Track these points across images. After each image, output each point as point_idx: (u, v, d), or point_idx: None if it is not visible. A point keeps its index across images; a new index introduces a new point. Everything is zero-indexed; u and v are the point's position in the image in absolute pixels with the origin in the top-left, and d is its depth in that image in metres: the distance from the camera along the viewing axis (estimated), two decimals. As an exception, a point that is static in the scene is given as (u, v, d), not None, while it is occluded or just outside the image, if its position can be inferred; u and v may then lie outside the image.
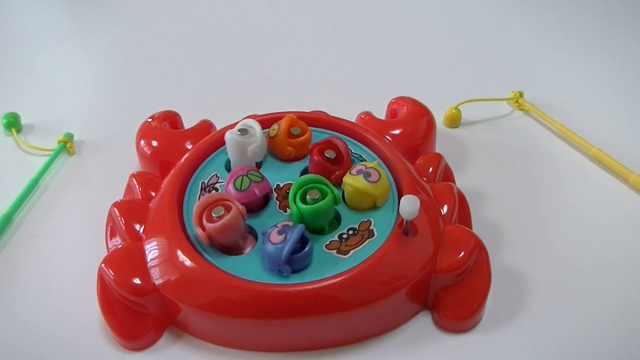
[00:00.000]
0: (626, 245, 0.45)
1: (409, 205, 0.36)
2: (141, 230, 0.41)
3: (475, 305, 0.38)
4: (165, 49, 0.74)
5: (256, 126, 0.44)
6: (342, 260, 0.37)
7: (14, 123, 0.58)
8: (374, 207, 0.41)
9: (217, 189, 0.43)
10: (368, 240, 0.39)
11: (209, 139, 0.46)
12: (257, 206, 0.41)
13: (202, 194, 0.42)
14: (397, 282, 0.37)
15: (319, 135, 0.46)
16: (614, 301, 0.41)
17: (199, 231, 0.37)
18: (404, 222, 0.38)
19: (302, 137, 0.45)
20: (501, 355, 0.38)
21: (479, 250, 0.40)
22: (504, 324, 0.39)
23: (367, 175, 0.40)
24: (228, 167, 0.45)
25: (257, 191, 0.40)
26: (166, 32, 0.77)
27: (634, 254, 0.44)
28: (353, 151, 0.46)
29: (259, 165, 0.45)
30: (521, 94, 0.60)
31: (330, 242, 0.39)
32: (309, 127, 0.46)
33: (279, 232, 0.36)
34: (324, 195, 0.38)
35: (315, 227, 0.39)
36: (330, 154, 0.43)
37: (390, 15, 0.80)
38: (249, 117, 0.49)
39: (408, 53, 0.71)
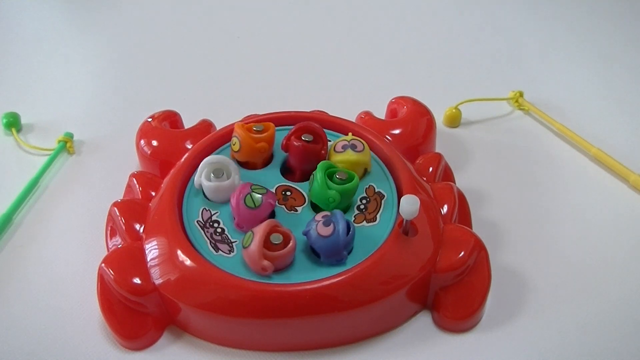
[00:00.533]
0: (626, 244, 0.45)
1: (409, 205, 0.36)
2: (141, 230, 0.41)
3: (475, 305, 0.38)
4: (165, 48, 0.74)
5: (225, 162, 0.43)
6: (375, 226, 0.39)
7: (14, 123, 0.57)
8: (366, 173, 0.43)
9: None
10: (382, 201, 0.41)
11: (208, 138, 0.46)
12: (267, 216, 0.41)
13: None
14: (397, 281, 0.37)
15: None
16: (613, 300, 0.41)
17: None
18: (404, 221, 0.38)
19: (268, 132, 0.44)
20: (501, 355, 0.38)
21: (479, 250, 0.40)
22: (504, 324, 0.39)
23: (353, 147, 0.42)
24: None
25: (271, 201, 0.40)
26: (166, 32, 0.77)
27: (634, 254, 0.44)
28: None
29: None
30: (521, 94, 0.60)
31: (354, 217, 0.40)
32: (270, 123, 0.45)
33: (325, 224, 0.37)
34: (349, 175, 0.40)
35: (342, 207, 0.40)
36: (307, 137, 0.43)
37: (390, 15, 0.80)
38: (247, 117, 0.49)
39: (408, 53, 0.71)
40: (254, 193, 0.39)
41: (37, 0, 0.86)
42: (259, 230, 0.36)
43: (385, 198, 0.41)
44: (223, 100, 0.63)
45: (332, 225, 0.36)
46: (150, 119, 0.51)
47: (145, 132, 0.50)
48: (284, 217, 0.40)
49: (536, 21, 0.78)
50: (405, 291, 0.38)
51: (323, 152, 0.43)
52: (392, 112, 0.54)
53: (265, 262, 0.36)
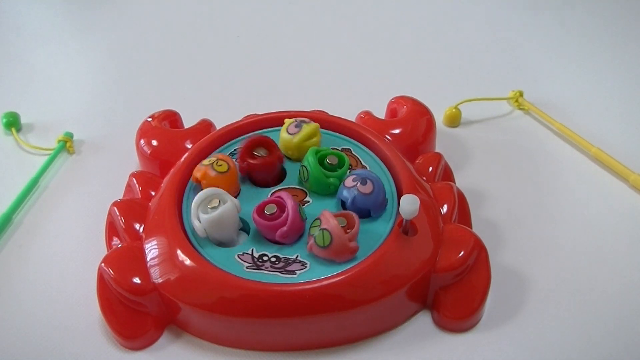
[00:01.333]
0: (625, 244, 0.45)
1: (409, 204, 0.36)
2: (141, 230, 0.41)
3: (474, 305, 0.38)
4: (165, 48, 0.74)
5: (216, 192, 0.40)
6: (374, 225, 0.40)
7: (13, 122, 0.58)
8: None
9: None
10: (353, 152, 0.45)
11: (208, 138, 0.46)
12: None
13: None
14: (396, 281, 0.37)
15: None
16: (613, 300, 0.41)
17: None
18: (404, 221, 0.38)
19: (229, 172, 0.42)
20: (501, 354, 0.38)
21: (479, 250, 0.40)
22: (504, 323, 0.39)
23: (303, 121, 0.45)
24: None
25: (287, 203, 0.39)
26: (166, 31, 0.77)
27: (634, 253, 0.44)
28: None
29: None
30: (521, 94, 0.60)
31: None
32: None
33: (363, 183, 0.39)
34: (339, 158, 0.42)
35: (332, 188, 0.42)
36: (260, 152, 0.43)
37: (390, 15, 0.80)
38: (247, 116, 0.49)
39: (408, 53, 0.71)
40: (300, 205, 0.40)
41: (37, 0, 0.86)
42: (329, 223, 0.37)
43: (351, 150, 0.45)
44: (223, 100, 0.63)
45: (368, 182, 0.40)
46: (150, 119, 0.51)
47: (145, 131, 0.50)
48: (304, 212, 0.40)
49: (536, 21, 0.78)
50: (405, 291, 0.38)
51: (279, 161, 0.43)
52: (392, 111, 0.54)
53: (352, 244, 0.37)
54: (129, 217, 0.42)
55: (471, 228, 0.45)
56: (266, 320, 0.36)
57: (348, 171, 0.42)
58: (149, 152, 0.48)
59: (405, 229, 0.38)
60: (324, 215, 0.37)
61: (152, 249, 0.39)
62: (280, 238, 0.38)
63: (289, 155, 0.45)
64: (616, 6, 0.80)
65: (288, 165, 0.45)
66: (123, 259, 0.39)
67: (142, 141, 0.49)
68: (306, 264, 0.37)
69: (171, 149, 0.48)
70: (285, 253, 0.38)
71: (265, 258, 0.38)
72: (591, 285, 0.42)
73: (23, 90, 0.66)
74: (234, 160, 0.43)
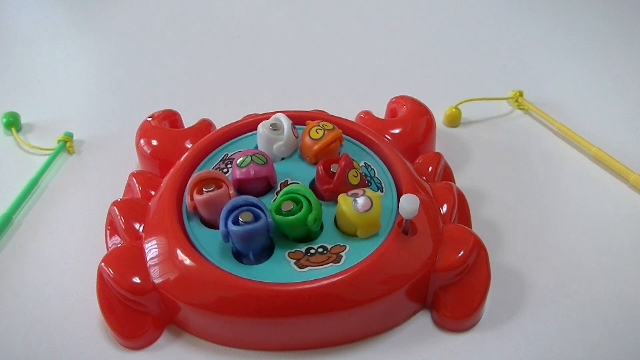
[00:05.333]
0: (626, 244, 0.45)
1: (409, 204, 0.36)
2: (141, 229, 0.41)
3: (474, 304, 0.38)
4: (165, 48, 0.74)
5: (286, 123, 0.44)
6: (294, 272, 0.37)
7: (13, 122, 0.58)
8: (355, 236, 0.39)
9: None
10: (331, 264, 0.37)
11: (208, 137, 0.46)
12: (255, 190, 0.41)
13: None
14: (396, 281, 0.37)
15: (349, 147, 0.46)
16: (613, 299, 0.41)
17: (187, 199, 0.40)
18: (404, 221, 0.38)
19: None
20: (500, 354, 0.38)
21: (479, 250, 0.40)
22: (503, 323, 0.39)
23: (356, 201, 0.38)
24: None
25: (252, 171, 0.40)
26: (166, 31, 0.77)
27: (634, 253, 0.44)
28: (369, 167, 0.45)
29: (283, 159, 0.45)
30: (521, 93, 0.60)
31: (295, 251, 0.38)
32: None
33: (247, 212, 0.37)
34: (300, 209, 0.37)
35: (290, 236, 0.39)
36: (334, 168, 0.41)
37: (390, 15, 0.80)
38: (247, 116, 0.49)
39: (408, 52, 0.71)
40: (249, 157, 0.41)
41: (37, 0, 0.86)
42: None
43: (339, 264, 0.37)
44: (223, 99, 0.63)
45: (251, 219, 0.36)
46: (150, 119, 0.51)
47: (145, 131, 0.50)
48: (266, 202, 0.40)
49: (536, 20, 0.78)
50: (405, 290, 0.38)
51: (325, 187, 0.41)
52: (391, 111, 0.54)
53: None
54: (128, 216, 0.42)
55: (471, 228, 0.45)
56: (266, 320, 0.36)
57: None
58: (149, 152, 0.48)
59: (405, 228, 0.38)
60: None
61: (151, 249, 0.39)
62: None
63: (307, 159, 0.44)
64: (617, 6, 0.80)
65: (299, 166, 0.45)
66: (123, 259, 0.39)
67: (142, 141, 0.49)
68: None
69: (171, 148, 0.48)
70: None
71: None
72: (591, 285, 0.42)
73: (23, 90, 0.66)
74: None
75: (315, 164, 0.43)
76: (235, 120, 0.48)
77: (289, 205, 0.38)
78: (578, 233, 0.46)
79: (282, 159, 0.45)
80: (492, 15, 0.79)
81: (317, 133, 0.43)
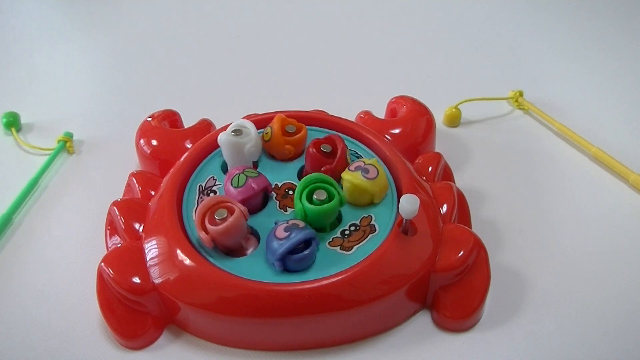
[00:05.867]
0: (625, 243, 0.45)
1: (409, 204, 0.36)
2: (141, 229, 0.41)
3: (474, 305, 0.38)
4: (165, 48, 0.74)
5: (250, 125, 0.44)
6: (346, 256, 0.38)
7: (13, 122, 0.58)
8: (372, 203, 0.41)
9: (215, 192, 0.43)
10: (370, 235, 0.39)
11: (208, 138, 0.46)
12: (256, 205, 0.41)
13: (201, 198, 0.42)
14: (396, 281, 0.37)
15: (314, 134, 0.46)
16: (613, 299, 0.41)
17: (203, 235, 0.37)
18: (404, 221, 0.38)
19: (299, 134, 0.45)
20: (500, 354, 0.38)
21: (478, 250, 0.40)
22: (503, 323, 0.39)
23: (365, 171, 0.40)
24: (224, 169, 0.45)
25: (254, 185, 0.40)
26: (166, 31, 0.77)
27: (634, 253, 0.44)
28: (351, 149, 0.46)
29: (255, 165, 0.45)
30: (521, 93, 0.60)
31: (333, 239, 0.39)
32: (304, 125, 0.46)
33: (285, 229, 0.37)
34: (330, 197, 0.38)
35: (317, 226, 0.39)
36: (326, 148, 0.42)
37: (390, 15, 0.80)
38: (247, 116, 0.49)
39: (408, 52, 0.71)
40: (243, 174, 0.40)
41: (37, 0, 0.86)
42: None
43: (376, 233, 0.39)
44: (223, 100, 0.63)
45: (289, 234, 0.36)
46: (149, 119, 0.51)
47: (145, 131, 0.50)
48: (272, 212, 0.41)
49: (536, 20, 0.78)
50: (405, 290, 0.38)
51: (327, 167, 0.42)
52: (391, 111, 0.54)
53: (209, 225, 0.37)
54: (128, 216, 0.42)
55: (471, 228, 0.45)
56: (266, 320, 0.36)
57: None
58: (148, 151, 0.48)
59: (405, 228, 0.38)
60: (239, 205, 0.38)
61: (151, 249, 0.39)
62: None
63: (278, 156, 0.45)
64: (617, 5, 0.80)
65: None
66: (123, 259, 0.39)
67: (142, 141, 0.49)
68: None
69: (171, 148, 0.48)
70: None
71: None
72: (591, 284, 0.42)
73: (23, 90, 0.66)
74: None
75: (291, 159, 0.45)
76: (231, 122, 0.48)
77: (322, 194, 0.39)
78: (578, 233, 0.46)
79: (253, 163, 0.45)
80: (492, 15, 0.79)
81: (289, 129, 0.45)
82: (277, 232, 0.37)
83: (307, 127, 0.46)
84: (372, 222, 0.40)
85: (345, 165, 0.42)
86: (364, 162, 0.41)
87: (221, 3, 0.83)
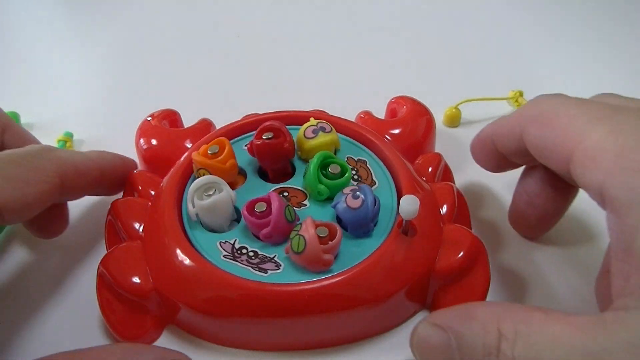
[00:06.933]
0: (626, 245, 0.45)
1: (409, 205, 0.36)
2: (140, 229, 0.41)
3: (474, 305, 0.38)
4: (165, 48, 0.73)
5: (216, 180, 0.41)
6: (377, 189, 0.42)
7: (13, 122, 0.57)
8: (336, 152, 0.45)
9: None
10: (367, 165, 0.44)
11: (208, 138, 0.46)
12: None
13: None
14: (396, 281, 0.37)
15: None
16: (613, 301, 0.41)
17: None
18: (404, 221, 0.38)
19: (226, 149, 0.42)
20: (500, 354, 0.38)
21: (478, 250, 0.39)
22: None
23: (323, 129, 0.44)
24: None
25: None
26: (166, 31, 0.77)
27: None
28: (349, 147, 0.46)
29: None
30: (521, 93, 0.60)
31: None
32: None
33: (354, 197, 0.38)
34: (343, 169, 0.41)
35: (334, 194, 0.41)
36: (267, 135, 0.43)
37: (389, 15, 0.80)
38: (247, 116, 0.49)
39: (407, 53, 0.71)
40: (290, 206, 0.39)
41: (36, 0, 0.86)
42: (308, 230, 0.36)
43: (367, 163, 0.44)
44: (223, 99, 0.63)
45: (360, 198, 0.38)
46: (149, 118, 0.51)
47: (145, 131, 0.50)
48: (298, 214, 0.40)
49: (537, 20, 0.78)
50: (405, 291, 0.38)
51: (287, 145, 0.43)
52: (391, 111, 0.53)
53: (327, 256, 0.36)
54: (128, 216, 0.42)
55: (471, 228, 0.44)
56: (264, 320, 0.36)
57: (353, 183, 0.42)
58: (148, 151, 0.48)
59: (405, 229, 0.38)
60: (306, 221, 0.37)
61: (151, 249, 0.39)
62: (264, 238, 0.38)
63: (302, 157, 0.45)
64: (618, 5, 0.80)
65: (299, 164, 0.45)
66: (122, 259, 0.39)
67: (141, 140, 0.49)
68: (280, 265, 0.37)
69: (171, 148, 0.47)
70: (265, 251, 0.38)
71: (244, 251, 0.38)
72: (591, 285, 0.41)
73: (23, 89, 0.66)
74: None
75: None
76: (235, 120, 0.48)
77: (336, 168, 0.41)
78: (578, 233, 0.46)
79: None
80: (492, 15, 0.79)
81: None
82: (349, 204, 0.38)
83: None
84: (356, 158, 0.44)
85: (292, 140, 0.44)
86: (314, 125, 0.45)
87: (221, 3, 0.83)
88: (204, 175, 0.41)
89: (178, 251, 0.38)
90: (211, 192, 0.39)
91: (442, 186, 0.44)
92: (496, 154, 0.42)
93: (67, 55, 0.73)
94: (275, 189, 0.42)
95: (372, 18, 0.80)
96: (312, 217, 0.38)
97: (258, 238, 0.39)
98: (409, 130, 0.50)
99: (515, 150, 0.39)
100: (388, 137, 0.48)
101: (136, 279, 0.38)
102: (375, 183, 0.43)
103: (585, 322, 0.27)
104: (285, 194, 0.42)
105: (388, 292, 0.37)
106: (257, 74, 0.67)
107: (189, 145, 0.48)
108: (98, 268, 0.39)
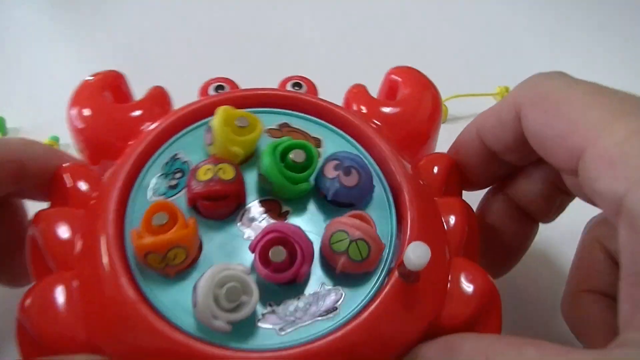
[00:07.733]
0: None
1: (419, 258, 0.27)
2: (76, 250, 0.31)
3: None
4: (160, 49, 0.70)
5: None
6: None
7: (-1, 126, 0.53)
8: None
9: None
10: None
11: (174, 120, 0.36)
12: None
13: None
14: (391, 344, 0.30)
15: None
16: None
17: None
18: (406, 267, 0.30)
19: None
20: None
21: (492, 300, 0.32)
22: (503, 327, 0.35)
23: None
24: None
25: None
26: (162, 32, 0.73)
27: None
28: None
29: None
30: (507, 89, 0.58)
31: None
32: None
33: (346, 173, 0.31)
34: (310, 157, 0.32)
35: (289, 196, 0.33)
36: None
37: (377, 11, 0.76)
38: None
39: (394, 48, 0.69)
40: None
41: (23, 0, 0.79)
42: (363, 231, 0.30)
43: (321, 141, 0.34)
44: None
45: (353, 171, 0.31)
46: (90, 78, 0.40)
47: (81, 99, 0.39)
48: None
49: (526, 15, 0.75)
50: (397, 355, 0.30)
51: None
52: (390, 88, 0.43)
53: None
54: (54, 235, 0.31)
55: (478, 255, 0.36)
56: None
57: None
58: (84, 129, 0.38)
59: (409, 277, 0.30)
60: (345, 224, 0.30)
61: (84, 284, 0.30)
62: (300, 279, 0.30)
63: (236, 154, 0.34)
64: (616, 4, 0.77)
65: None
66: (47, 300, 0.29)
67: (73, 112, 0.38)
68: (338, 290, 0.30)
69: (115, 129, 0.37)
70: (303, 290, 0.30)
71: (292, 308, 0.29)
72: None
73: (8, 94, 0.63)
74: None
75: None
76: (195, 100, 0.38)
77: (301, 156, 0.31)
78: (578, 233, 0.42)
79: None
80: (480, 10, 0.76)
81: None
82: (346, 183, 0.31)
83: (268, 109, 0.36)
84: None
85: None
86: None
87: (221, 3, 0.77)
88: (174, 255, 0.29)
89: (120, 289, 0.28)
90: (237, 299, 0.27)
91: (451, 202, 0.35)
92: (484, 152, 0.36)
93: (53, 58, 0.69)
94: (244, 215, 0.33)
95: (359, 14, 0.76)
96: (338, 218, 0.30)
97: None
98: (409, 111, 0.39)
99: (507, 141, 0.33)
100: (377, 122, 0.38)
101: (64, 329, 0.28)
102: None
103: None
104: (264, 215, 0.33)
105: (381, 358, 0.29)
106: (252, 65, 0.65)
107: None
108: (16, 315, 0.30)
